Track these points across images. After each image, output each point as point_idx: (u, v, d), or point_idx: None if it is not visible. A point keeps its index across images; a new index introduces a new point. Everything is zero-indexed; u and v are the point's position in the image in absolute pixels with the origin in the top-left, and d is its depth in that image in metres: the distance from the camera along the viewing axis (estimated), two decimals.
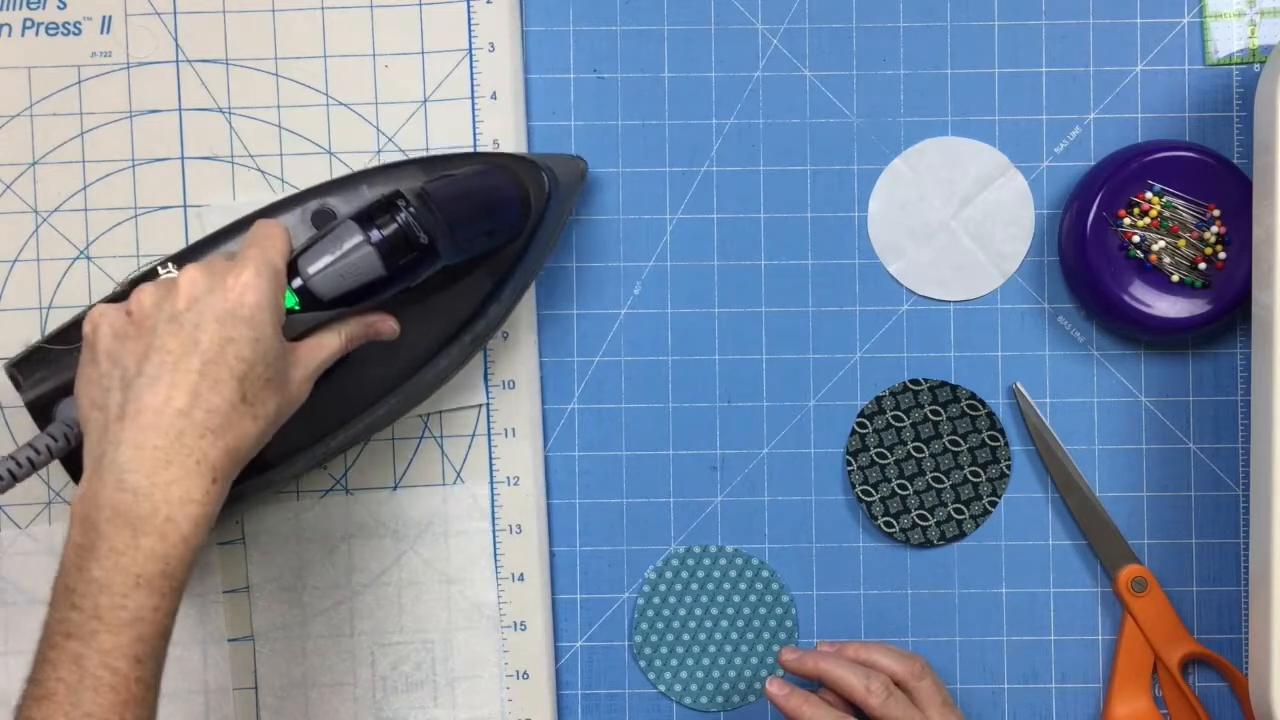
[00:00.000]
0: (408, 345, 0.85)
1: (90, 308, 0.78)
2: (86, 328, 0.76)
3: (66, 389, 0.81)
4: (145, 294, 0.74)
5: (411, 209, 0.79)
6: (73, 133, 0.92)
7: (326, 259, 0.78)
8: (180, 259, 0.85)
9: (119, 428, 0.71)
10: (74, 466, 0.81)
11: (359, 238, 0.78)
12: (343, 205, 0.86)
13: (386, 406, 0.87)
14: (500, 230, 0.85)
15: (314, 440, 0.86)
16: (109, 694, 0.69)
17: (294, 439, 0.83)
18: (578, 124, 0.94)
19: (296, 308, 0.77)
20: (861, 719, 0.86)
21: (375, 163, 0.93)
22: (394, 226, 0.78)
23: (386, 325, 0.82)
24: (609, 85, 0.94)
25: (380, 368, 0.86)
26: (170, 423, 0.71)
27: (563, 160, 0.90)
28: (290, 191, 0.90)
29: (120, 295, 0.82)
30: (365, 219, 0.79)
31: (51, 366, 0.83)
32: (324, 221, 0.85)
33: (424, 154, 0.92)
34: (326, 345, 0.78)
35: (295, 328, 0.77)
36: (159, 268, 0.84)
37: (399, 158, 0.92)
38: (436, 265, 0.81)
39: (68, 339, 0.83)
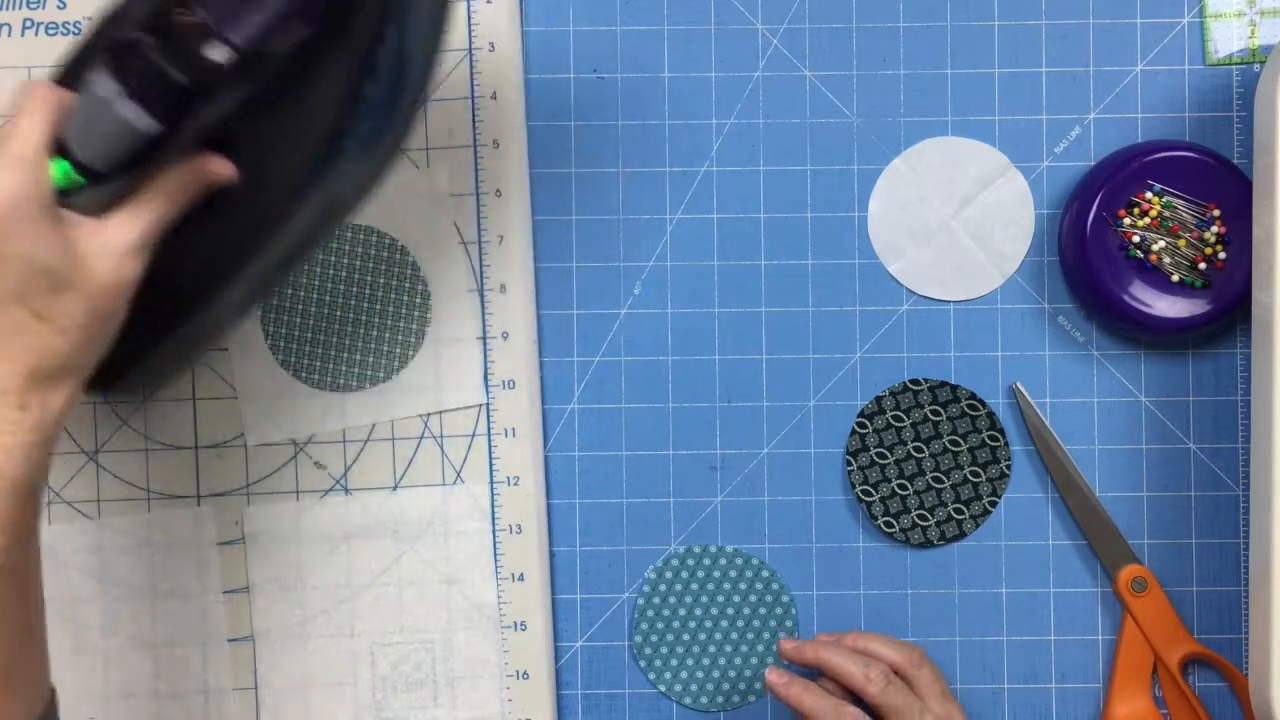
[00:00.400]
0: (277, 165, 0.73)
1: None
2: None
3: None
4: None
5: (161, 43, 0.66)
6: None
7: (88, 124, 0.67)
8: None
9: None
10: None
11: (113, 86, 0.67)
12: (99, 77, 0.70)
13: (294, 225, 0.76)
14: (299, 13, 0.70)
15: (213, 284, 0.76)
16: None
17: (188, 288, 0.74)
18: (578, 124, 0.94)
19: (83, 182, 0.67)
20: (861, 708, 0.86)
21: None
22: (145, 63, 0.66)
23: (212, 167, 0.72)
24: (609, 85, 0.94)
25: (254, 197, 0.75)
26: None
27: None
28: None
29: None
30: (115, 68, 0.67)
31: None
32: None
33: None
34: (138, 217, 0.70)
35: (101, 203, 0.67)
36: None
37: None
38: (227, 96, 0.68)
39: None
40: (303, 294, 0.93)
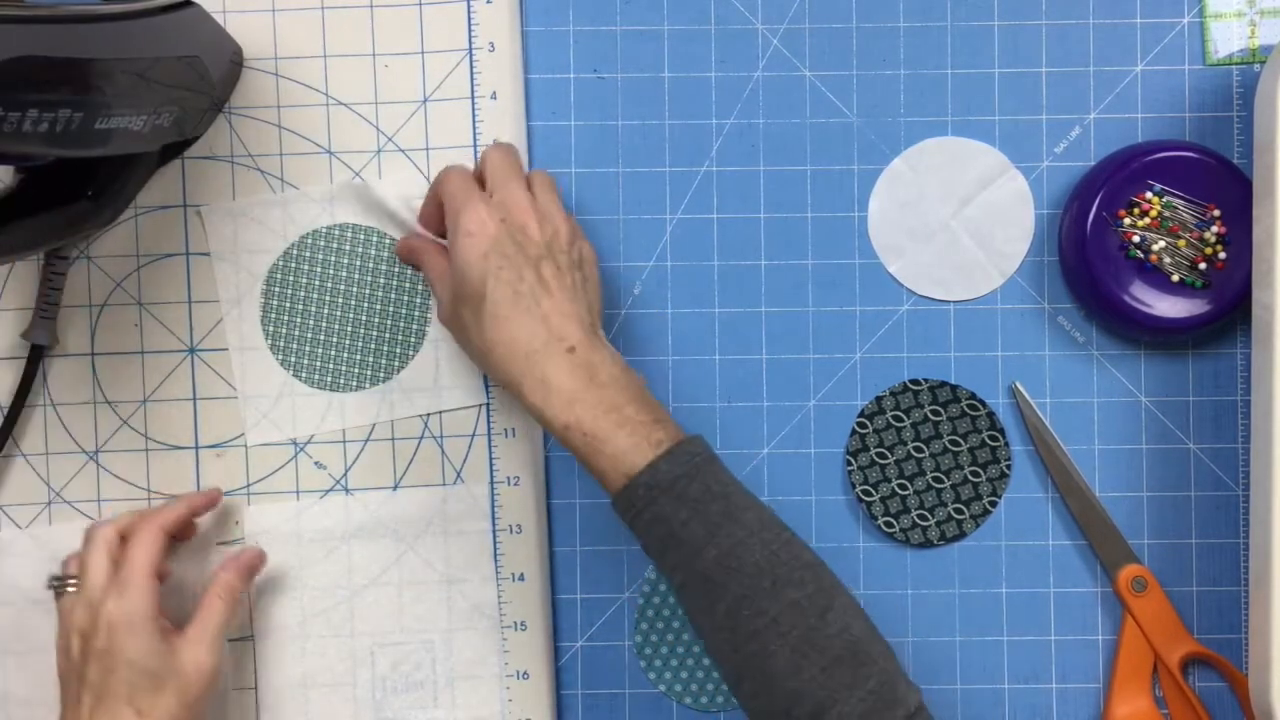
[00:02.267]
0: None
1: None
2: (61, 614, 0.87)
3: None
4: (60, 640, 0.86)
5: None
6: None
7: None
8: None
9: None
10: None
11: None
12: None
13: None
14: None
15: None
16: None
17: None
18: (578, 124, 0.94)
19: None
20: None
21: (374, 163, 0.93)
22: None
23: (253, 555, 0.90)
24: (609, 85, 0.94)
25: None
26: None
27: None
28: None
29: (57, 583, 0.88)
30: None
31: None
32: None
33: None
34: (212, 616, 0.86)
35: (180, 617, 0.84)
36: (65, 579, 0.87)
37: (398, 158, 0.93)
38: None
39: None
40: (303, 294, 0.93)
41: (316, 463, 0.93)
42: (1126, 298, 0.91)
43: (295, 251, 0.93)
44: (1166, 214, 0.91)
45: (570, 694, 0.94)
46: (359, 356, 0.93)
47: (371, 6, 0.93)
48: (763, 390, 0.94)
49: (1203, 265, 0.91)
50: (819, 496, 0.94)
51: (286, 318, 0.93)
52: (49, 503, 0.93)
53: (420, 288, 0.93)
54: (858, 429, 0.94)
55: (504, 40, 0.93)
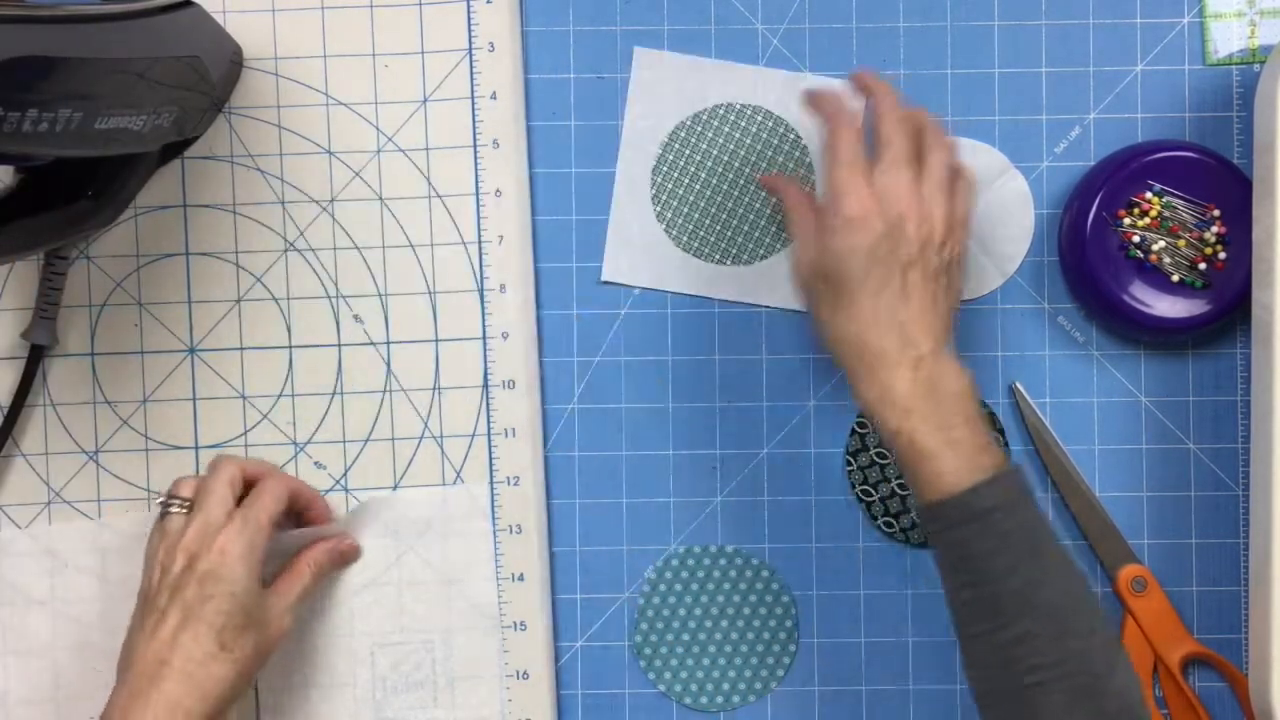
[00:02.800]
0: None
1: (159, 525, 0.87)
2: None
3: None
4: (158, 556, 0.86)
5: None
6: None
7: None
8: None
9: (120, 663, 0.84)
10: None
11: None
12: None
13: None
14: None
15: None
16: None
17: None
18: (578, 124, 0.94)
19: None
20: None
21: (374, 163, 0.93)
22: None
23: (349, 545, 0.92)
24: (609, 85, 0.94)
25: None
26: (152, 669, 0.82)
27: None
28: None
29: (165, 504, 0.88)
30: None
31: None
32: None
33: None
34: (300, 580, 0.88)
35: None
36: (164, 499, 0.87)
37: (397, 157, 0.93)
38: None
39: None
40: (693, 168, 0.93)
41: (316, 463, 0.93)
42: (1126, 298, 0.91)
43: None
44: (1166, 214, 0.91)
45: (570, 694, 0.94)
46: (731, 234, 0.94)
47: (371, 6, 0.93)
48: (763, 390, 0.94)
49: (1203, 265, 0.91)
50: (819, 496, 0.94)
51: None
52: (49, 503, 0.93)
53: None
54: (858, 429, 0.94)
55: (504, 40, 0.93)
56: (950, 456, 0.79)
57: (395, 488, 0.93)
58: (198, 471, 0.93)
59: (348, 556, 0.92)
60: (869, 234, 0.80)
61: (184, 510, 0.86)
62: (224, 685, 0.82)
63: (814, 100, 0.87)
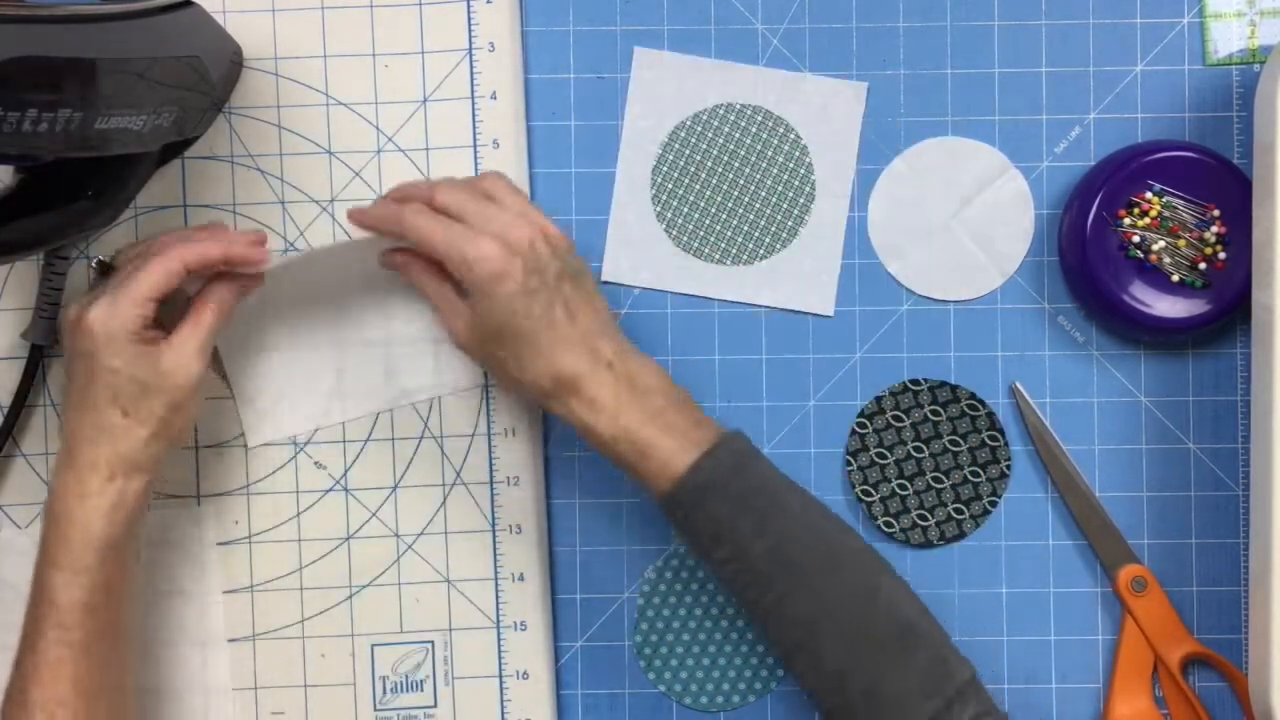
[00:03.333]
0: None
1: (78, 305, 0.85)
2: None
3: None
4: (63, 331, 0.86)
5: None
6: None
7: None
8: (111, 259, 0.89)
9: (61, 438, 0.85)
10: None
11: None
12: None
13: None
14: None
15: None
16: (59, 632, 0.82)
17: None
18: (578, 124, 0.94)
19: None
20: None
21: (374, 163, 0.93)
22: None
23: (245, 283, 0.87)
24: (609, 85, 0.94)
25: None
26: (67, 437, 0.83)
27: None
28: None
29: (101, 267, 0.89)
30: None
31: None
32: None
33: None
34: (200, 325, 0.85)
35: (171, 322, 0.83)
36: (99, 260, 0.88)
37: (398, 158, 0.93)
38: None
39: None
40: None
41: (316, 463, 0.93)
42: (1126, 298, 0.91)
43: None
44: (1166, 214, 0.91)
45: (570, 694, 0.94)
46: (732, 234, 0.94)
47: (371, 6, 0.93)
48: (763, 390, 0.94)
49: (1203, 265, 0.91)
50: (819, 496, 0.94)
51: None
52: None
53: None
54: (858, 429, 0.94)
55: (504, 40, 0.93)
56: (668, 440, 0.82)
57: (395, 488, 0.93)
58: (197, 471, 0.93)
59: (250, 285, 0.88)
60: (513, 278, 0.82)
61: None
62: (136, 444, 0.83)
63: (365, 217, 0.87)
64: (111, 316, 0.82)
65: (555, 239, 0.84)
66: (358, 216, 0.86)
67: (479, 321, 0.84)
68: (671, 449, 0.82)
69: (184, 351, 0.84)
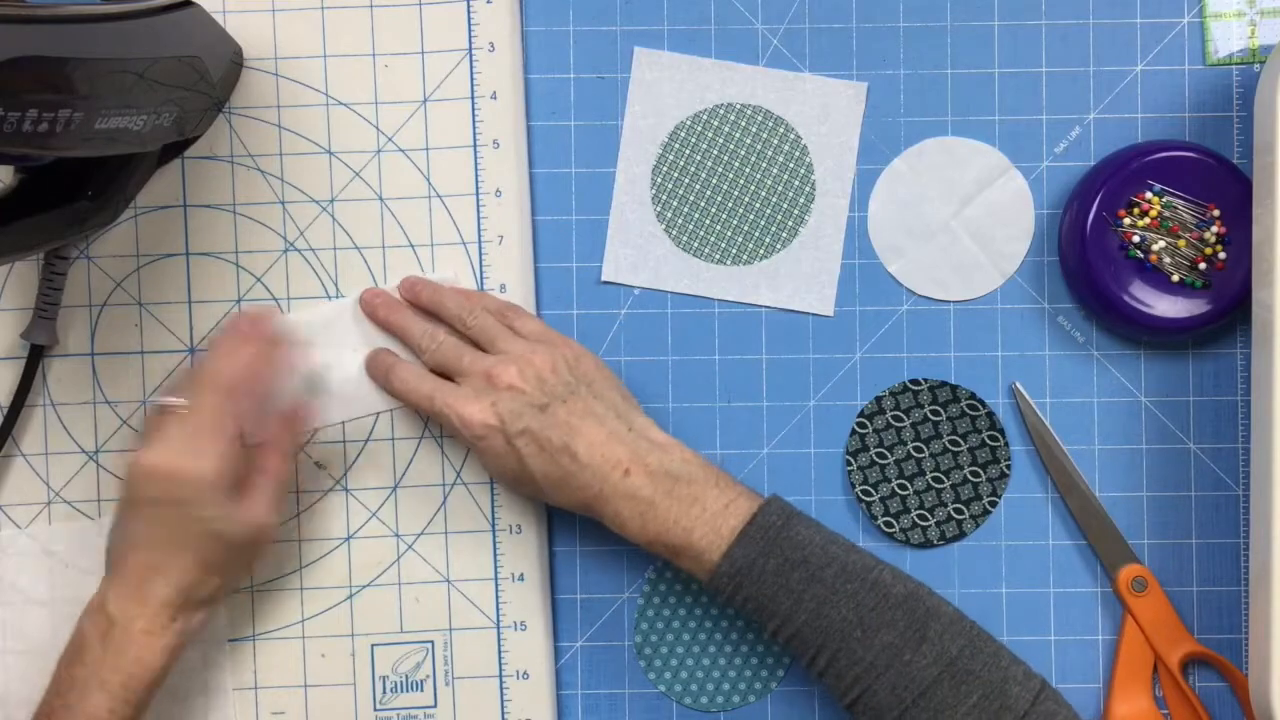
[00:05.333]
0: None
1: (137, 452, 0.84)
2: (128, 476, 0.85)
3: None
4: (138, 476, 0.84)
5: None
6: None
7: None
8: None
9: (114, 572, 0.85)
10: None
11: None
12: None
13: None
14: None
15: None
16: None
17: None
18: (578, 124, 0.94)
19: None
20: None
21: (374, 163, 0.93)
22: None
23: (304, 426, 0.90)
24: (609, 85, 0.94)
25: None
26: (136, 569, 0.84)
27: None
28: None
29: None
30: None
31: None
32: None
33: None
34: (272, 477, 0.86)
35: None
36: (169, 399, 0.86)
37: (399, 158, 0.93)
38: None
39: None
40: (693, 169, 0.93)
41: (316, 463, 0.93)
42: (1126, 298, 0.91)
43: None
44: (1166, 214, 0.91)
45: (570, 694, 0.94)
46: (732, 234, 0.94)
47: (371, 6, 0.93)
48: (763, 390, 0.94)
49: (1203, 265, 0.91)
50: (819, 496, 0.94)
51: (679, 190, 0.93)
52: (49, 503, 0.93)
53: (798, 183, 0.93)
54: (858, 429, 0.94)
55: (504, 40, 0.93)
56: (698, 537, 0.83)
57: (395, 488, 0.93)
58: None
59: (308, 419, 0.91)
60: (502, 432, 0.84)
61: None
62: (205, 590, 0.85)
63: (374, 314, 0.91)
64: (200, 468, 0.82)
65: (554, 364, 0.86)
66: (369, 309, 0.91)
67: (491, 466, 0.87)
68: (702, 544, 0.83)
69: (261, 504, 0.85)
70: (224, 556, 0.84)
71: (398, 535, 0.93)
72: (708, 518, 0.83)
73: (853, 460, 0.94)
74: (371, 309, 0.91)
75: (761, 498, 0.85)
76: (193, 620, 0.85)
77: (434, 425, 0.93)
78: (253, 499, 0.85)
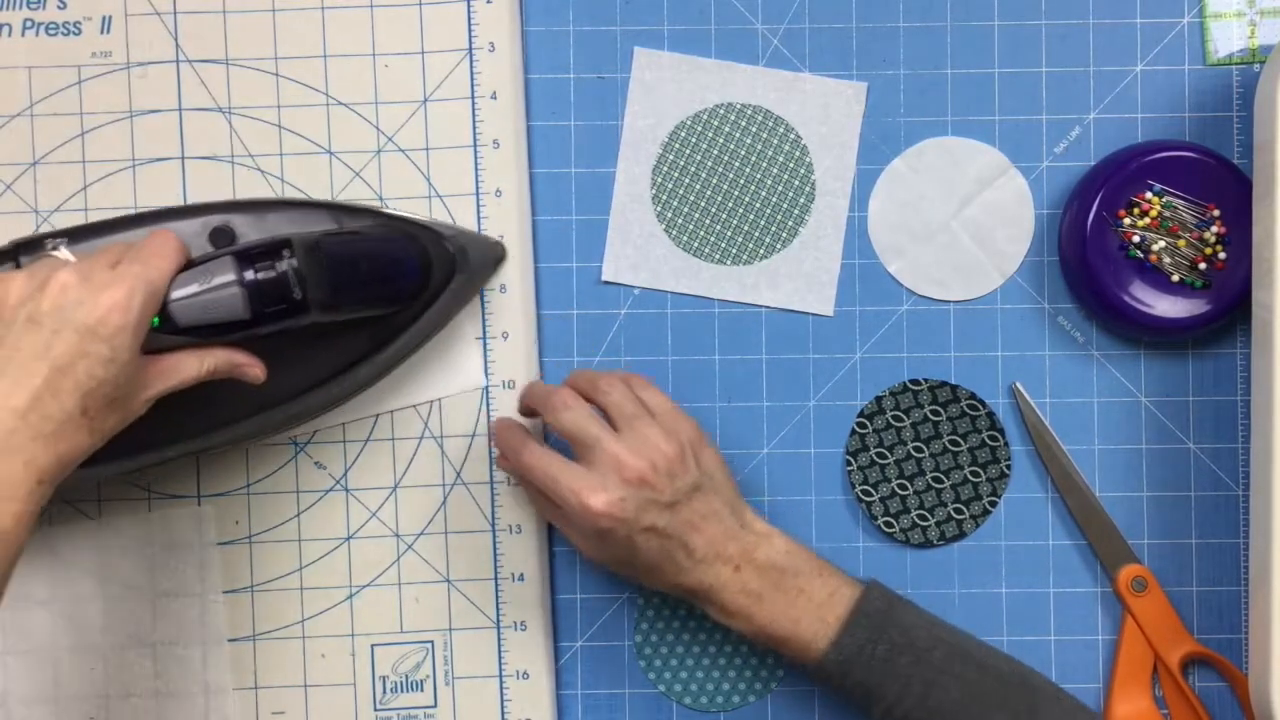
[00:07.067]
0: (266, 383, 0.83)
1: None
2: None
3: None
4: (15, 284, 0.75)
5: (294, 262, 0.79)
6: (73, 133, 0.92)
7: (194, 288, 0.78)
8: (75, 235, 0.84)
9: None
10: None
11: (231, 275, 0.78)
12: (245, 227, 0.86)
13: (228, 435, 0.87)
14: (388, 299, 0.86)
15: (154, 446, 0.85)
16: None
17: (135, 440, 0.80)
18: (578, 124, 0.94)
19: (155, 323, 0.77)
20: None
21: (374, 164, 0.93)
22: (270, 274, 0.78)
23: (253, 371, 0.81)
24: (609, 85, 0.94)
25: (233, 396, 0.84)
26: (4, 419, 0.71)
27: (481, 241, 0.91)
28: (202, 200, 0.91)
29: (4, 254, 0.83)
30: (245, 258, 0.79)
31: None
32: (222, 240, 0.85)
33: (340, 201, 0.92)
34: (184, 370, 0.79)
35: (153, 343, 0.77)
36: (48, 240, 0.83)
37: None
38: (306, 319, 0.80)
39: None
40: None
41: (316, 463, 0.93)
42: (1126, 298, 0.91)
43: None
44: (1166, 214, 0.91)
45: (570, 694, 0.94)
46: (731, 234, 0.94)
47: (371, 6, 0.93)
48: (763, 390, 0.94)
49: (1203, 265, 0.91)
50: (819, 496, 0.94)
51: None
52: (49, 502, 0.93)
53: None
54: (858, 429, 0.94)
55: (504, 40, 0.93)
56: (804, 628, 0.83)
57: (395, 488, 0.93)
58: (198, 471, 0.93)
59: (247, 375, 0.81)
60: (628, 524, 0.82)
61: (62, 256, 0.79)
62: (79, 452, 0.74)
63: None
64: (139, 303, 0.74)
65: (685, 460, 0.83)
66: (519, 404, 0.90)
67: (599, 555, 0.85)
68: (809, 634, 0.83)
69: (159, 384, 0.77)
70: (109, 415, 0.74)
71: (398, 535, 0.93)
72: (813, 608, 0.83)
73: (853, 460, 0.94)
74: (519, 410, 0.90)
75: (861, 583, 0.85)
76: (52, 487, 0.73)
77: (434, 425, 0.93)
78: (158, 368, 0.77)
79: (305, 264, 0.79)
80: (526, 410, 0.90)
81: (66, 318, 0.73)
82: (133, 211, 0.89)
